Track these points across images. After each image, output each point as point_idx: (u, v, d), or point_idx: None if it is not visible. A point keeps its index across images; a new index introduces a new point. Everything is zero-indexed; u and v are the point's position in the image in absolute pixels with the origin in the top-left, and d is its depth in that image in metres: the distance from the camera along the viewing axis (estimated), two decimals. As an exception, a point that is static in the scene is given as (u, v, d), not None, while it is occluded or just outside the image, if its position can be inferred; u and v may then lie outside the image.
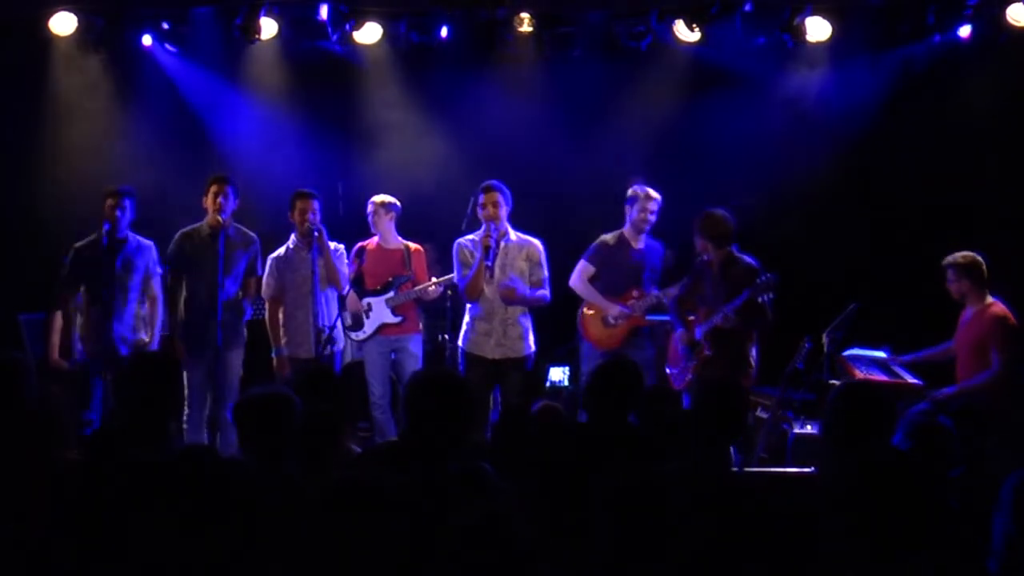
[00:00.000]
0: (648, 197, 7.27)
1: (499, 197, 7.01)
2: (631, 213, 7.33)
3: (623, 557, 3.32)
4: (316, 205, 7.19)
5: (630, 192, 7.40)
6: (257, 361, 7.39)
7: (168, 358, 5.61)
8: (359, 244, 7.54)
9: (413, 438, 4.07)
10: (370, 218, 7.52)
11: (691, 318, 7.03)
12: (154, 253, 7.18)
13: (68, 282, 7.07)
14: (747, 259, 6.92)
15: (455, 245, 7.17)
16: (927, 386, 6.81)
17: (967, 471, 4.14)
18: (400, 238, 7.60)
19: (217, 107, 8.97)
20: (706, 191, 7.60)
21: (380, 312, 7.48)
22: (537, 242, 7.16)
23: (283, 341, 7.24)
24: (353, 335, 7.60)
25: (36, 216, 8.51)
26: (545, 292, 7.14)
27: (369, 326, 7.50)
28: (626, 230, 7.38)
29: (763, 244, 7.28)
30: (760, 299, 6.65)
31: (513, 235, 7.11)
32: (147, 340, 7.10)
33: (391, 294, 7.47)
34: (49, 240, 7.98)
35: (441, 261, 8.03)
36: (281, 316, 7.27)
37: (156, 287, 7.16)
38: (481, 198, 7.05)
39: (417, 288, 7.45)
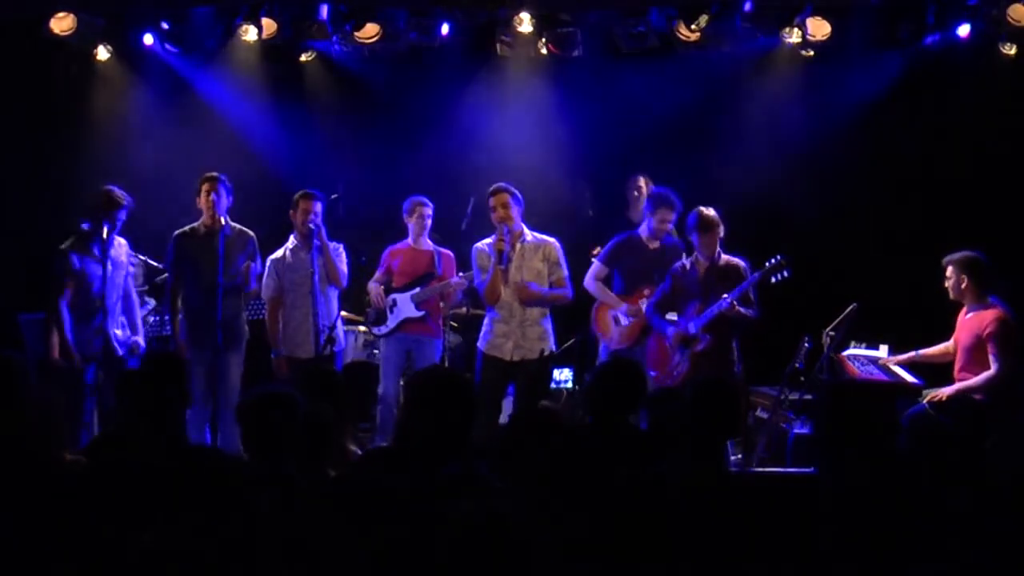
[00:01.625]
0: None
1: (509, 198, 6.96)
2: (649, 221, 7.36)
3: (623, 557, 3.32)
4: (319, 207, 7.20)
5: (643, 194, 7.43)
6: (257, 362, 7.39)
7: (178, 358, 5.61)
8: (389, 248, 7.64)
9: (411, 439, 4.07)
10: (406, 217, 7.57)
11: (672, 317, 7.04)
12: (128, 247, 7.16)
13: (60, 284, 7.01)
14: (735, 258, 6.98)
15: (473, 249, 7.15)
16: (927, 386, 6.81)
17: (967, 471, 4.13)
18: (431, 242, 7.67)
19: (217, 107, 8.95)
20: (706, 190, 7.60)
21: (404, 307, 7.54)
22: (553, 241, 7.10)
23: (281, 342, 7.24)
24: (375, 330, 7.65)
25: (36, 216, 8.49)
26: (566, 290, 7.09)
27: (392, 320, 7.54)
28: (643, 231, 7.40)
29: (763, 243, 7.28)
30: (773, 279, 6.72)
31: (529, 235, 7.06)
32: (140, 338, 7.10)
33: (417, 290, 7.51)
34: (49, 240, 7.96)
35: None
36: (280, 317, 7.26)
37: (131, 283, 7.20)
38: (491, 201, 7.01)
39: (441, 284, 7.47)
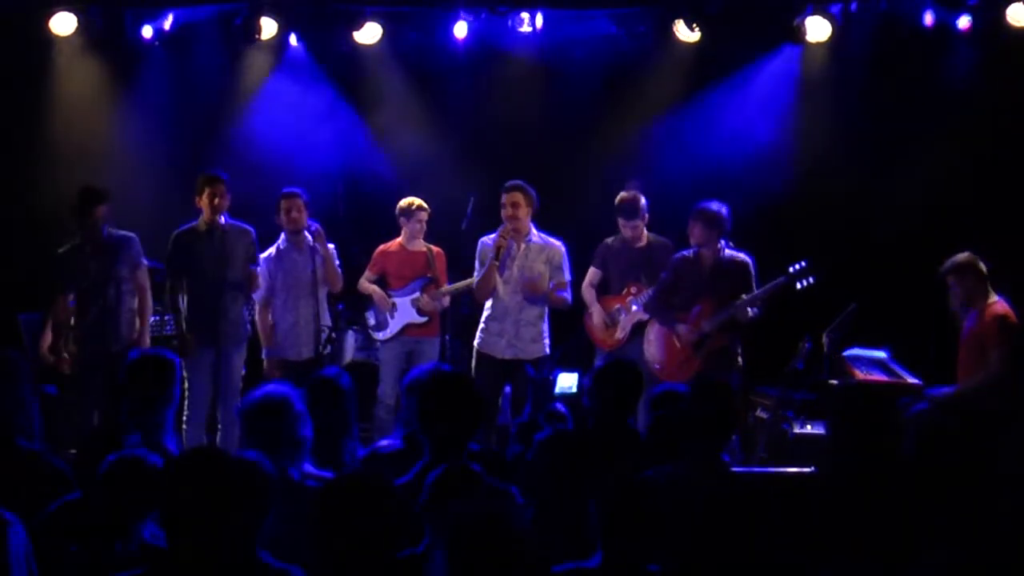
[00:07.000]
0: (629, 217, 7.30)
1: (520, 197, 6.88)
2: (621, 228, 7.39)
3: (624, 558, 3.31)
4: (303, 203, 7.18)
5: (619, 200, 7.43)
6: (256, 362, 7.36)
7: (168, 358, 5.60)
8: (380, 247, 7.57)
9: (419, 439, 4.07)
10: (403, 219, 7.53)
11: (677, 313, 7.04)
12: (137, 244, 6.96)
13: (57, 286, 6.92)
14: (740, 253, 6.95)
15: (479, 243, 7.07)
16: (927, 386, 6.80)
17: (972, 471, 4.12)
18: (423, 241, 7.61)
19: (217, 106, 8.95)
20: (706, 191, 7.59)
21: (405, 312, 7.49)
22: (559, 244, 7.04)
23: (273, 342, 7.20)
24: (376, 335, 7.59)
25: (36, 216, 8.48)
26: (566, 294, 7.05)
27: (394, 326, 7.51)
28: (627, 234, 7.42)
29: (763, 244, 7.28)
30: (798, 285, 6.69)
31: (536, 236, 6.99)
32: (138, 337, 6.97)
33: (417, 295, 7.47)
34: (49, 240, 7.95)
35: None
36: (270, 318, 7.23)
37: (143, 278, 6.99)
38: (503, 197, 6.92)
39: (440, 290, 7.46)
